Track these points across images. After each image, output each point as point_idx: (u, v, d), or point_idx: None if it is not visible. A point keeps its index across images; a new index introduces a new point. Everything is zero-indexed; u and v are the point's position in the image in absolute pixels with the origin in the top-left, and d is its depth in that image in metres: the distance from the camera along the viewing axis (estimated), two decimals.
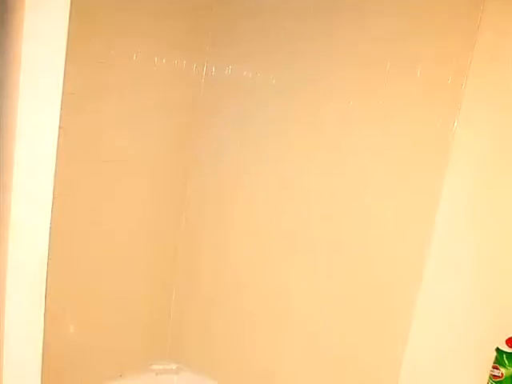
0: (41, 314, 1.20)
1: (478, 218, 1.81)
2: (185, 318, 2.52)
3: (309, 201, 2.17)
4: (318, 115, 2.14)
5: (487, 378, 1.74)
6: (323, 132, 2.13)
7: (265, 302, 2.29)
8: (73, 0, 1.16)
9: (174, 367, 2.50)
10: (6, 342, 1.15)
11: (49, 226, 1.18)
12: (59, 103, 1.17)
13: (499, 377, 1.70)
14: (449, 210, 1.85)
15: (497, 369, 1.71)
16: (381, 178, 2.00)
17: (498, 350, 1.72)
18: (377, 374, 2.01)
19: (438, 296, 1.89)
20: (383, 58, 1.97)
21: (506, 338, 1.72)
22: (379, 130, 2.00)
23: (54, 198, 1.19)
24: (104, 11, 2.02)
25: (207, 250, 2.46)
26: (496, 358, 1.72)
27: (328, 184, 2.12)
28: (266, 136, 2.28)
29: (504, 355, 1.70)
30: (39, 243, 1.17)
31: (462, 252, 1.84)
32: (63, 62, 1.16)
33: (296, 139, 2.20)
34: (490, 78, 1.77)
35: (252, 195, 2.33)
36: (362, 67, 2.03)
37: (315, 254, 2.16)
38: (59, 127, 1.18)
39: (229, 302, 2.40)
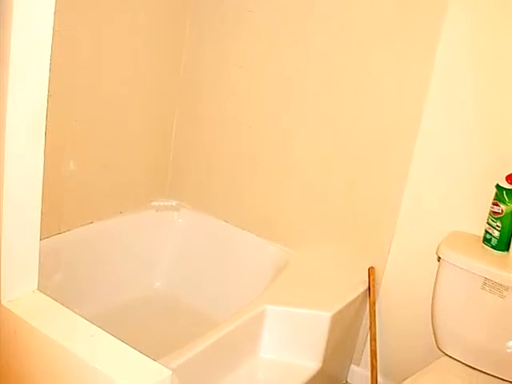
0: (41, 149, 1.19)
1: (477, 55, 1.80)
2: (185, 156, 2.52)
3: (310, 46, 2.12)
4: None
5: (487, 214, 1.78)
6: None
7: (265, 141, 2.29)
8: None
9: (173, 204, 2.54)
10: (6, 178, 1.15)
11: (48, 61, 1.15)
12: None
13: (499, 213, 1.73)
14: (448, 46, 1.84)
15: (497, 205, 1.74)
16: (380, 21, 1.96)
17: (498, 186, 1.74)
18: (378, 208, 2.06)
19: (437, 132, 1.91)
20: None
21: (507, 174, 1.73)
22: None
23: (53, 33, 1.16)
24: None
25: (207, 89, 2.41)
26: (496, 194, 1.74)
27: (328, 30, 2.07)
28: None
29: (504, 192, 1.72)
30: (39, 79, 1.15)
31: (462, 88, 1.85)
32: None
33: None
34: None
35: (252, 36, 2.24)
36: None
37: (316, 94, 2.13)
38: None
39: (229, 142, 2.38)
